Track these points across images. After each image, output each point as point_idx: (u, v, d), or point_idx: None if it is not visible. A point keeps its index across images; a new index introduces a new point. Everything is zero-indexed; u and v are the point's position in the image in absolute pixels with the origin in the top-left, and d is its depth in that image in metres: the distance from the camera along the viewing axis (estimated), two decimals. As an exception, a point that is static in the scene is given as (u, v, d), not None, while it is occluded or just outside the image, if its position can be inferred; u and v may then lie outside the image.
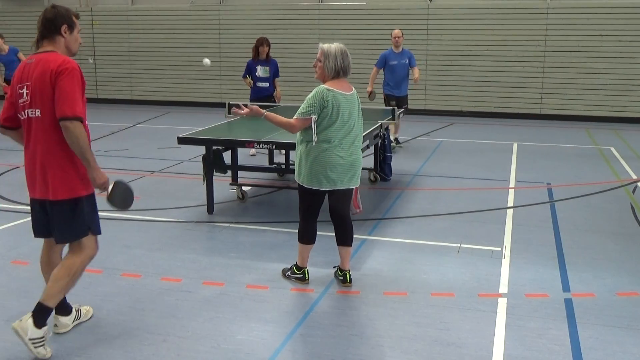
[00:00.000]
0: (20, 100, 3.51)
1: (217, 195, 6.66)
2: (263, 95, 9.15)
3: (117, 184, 3.63)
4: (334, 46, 4.37)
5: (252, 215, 6.46)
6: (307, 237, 4.58)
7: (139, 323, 3.99)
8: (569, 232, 5.88)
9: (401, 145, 10.32)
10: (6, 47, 11.19)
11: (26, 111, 3.49)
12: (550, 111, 13.82)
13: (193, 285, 4.60)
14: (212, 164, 6.40)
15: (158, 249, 5.34)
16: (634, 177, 8.15)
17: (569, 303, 4.30)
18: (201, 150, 6.54)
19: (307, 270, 4.66)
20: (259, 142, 6.06)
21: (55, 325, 3.83)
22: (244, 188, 7.05)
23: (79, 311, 3.98)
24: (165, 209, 6.54)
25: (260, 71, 9.06)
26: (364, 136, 6.30)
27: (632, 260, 5.16)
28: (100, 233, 3.73)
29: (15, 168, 8.62)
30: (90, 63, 16.67)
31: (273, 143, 6.11)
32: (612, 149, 10.06)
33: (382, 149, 7.72)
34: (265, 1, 15.27)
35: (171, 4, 16.02)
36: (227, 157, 6.71)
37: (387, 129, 7.66)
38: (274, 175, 8.17)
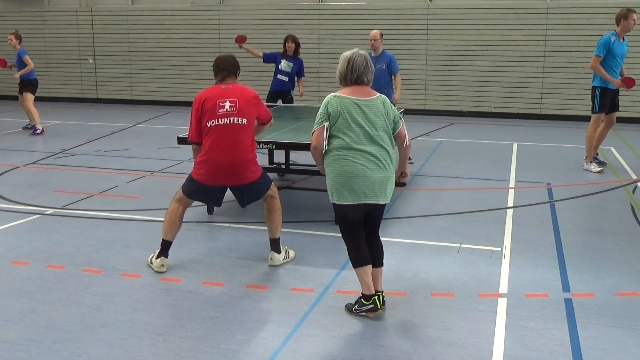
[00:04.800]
0: (221, 111, 4.75)
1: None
2: (281, 89, 9.51)
3: None
4: (344, 53, 4.13)
5: (252, 215, 6.45)
6: (361, 257, 4.08)
7: (139, 323, 3.99)
8: (569, 232, 5.88)
9: (411, 161, 8.79)
10: (18, 47, 11.34)
11: (231, 118, 4.76)
12: (550, 111, 13.82)
13: (193, 285, 4.60)
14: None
15: (158, 249, 5.33)
16: (634, 177, 8.15)
17: (569, 303, 4.30)
18: (201, 150, 6.53)
19: (378, 297, 4.08)
20: (259, 142, 6.06)
21: (271, 259, 4.99)
22: (244, 188, 7.03)
23: (287, 252, 5.10)
24: (166, 209, 6.52)
25: (284, 65, 9.38)
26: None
27: (632, 260, 5.16)
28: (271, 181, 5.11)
29: (15, 168, 8.63)
30: (90, 63, 16.68)
31: (273, 143, 6.10)
32: (612, 149, 10.06)
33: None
34: (265, 1, 15.27)
35: (171, 4, 16.03)
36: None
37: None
38: (274, 175, 8.17)
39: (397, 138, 4.12)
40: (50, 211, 6.53)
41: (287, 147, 7.04)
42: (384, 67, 8.70)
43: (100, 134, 11.51)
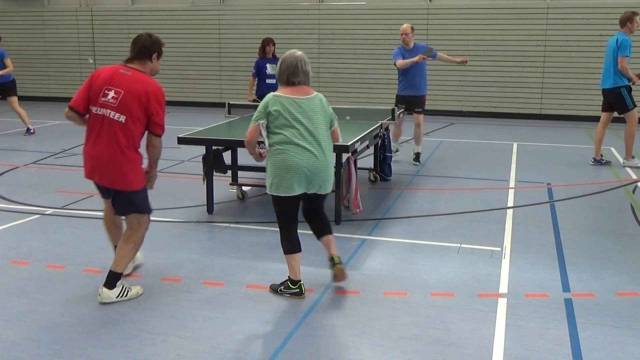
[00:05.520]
0: (103, 99, 4.09)
1: (217, 195, 6.65)
2: (271, 91, 9.52)
3: None
4: (284, 55, 4.40)
5: (252, 215, 6.46)
6: (291, 246, 4.40)
7: (139, 323, 3.99)
8: (569, 232, 5.88)
9: (418, 163, 8.92)
10: None
11: (108, 111, 4.08)
12: (550, 111, 13.82)
13: (193, 285, 4.60)
14: (212, 164, 6.40)
15: (158, 249, 5.34)
16: (634, 177, 8.15)
17: (569, 303, 4.30)
18: (201, 150, 6.54)
19: (303, 284, 4.39)
20: (259, 142, 6.05)
21: (99, 294, 4.25)
22: (244, 188, 7.04)
23: (127, 290, 4.33)
24: (165, 209, 6.54)
25: (270, 69, 9.52)
26: (363, 136, 6.36)
27: (632, 260, 5.16)
28: (150, 211, 4.40)
29: (15, 168, 8.62)
30: (90, 63, 16.67)
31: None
32: (612, 149, 10.06)
33: (382, 149, 7.72)
34: (265, 1, 15.27)
35: (171, 4, 16.03)
36: (227, 157, 6.71)
37: (387, 129, 7.66)
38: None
39: (332, 135, 4.49)
40: (50, 211, 6.53)
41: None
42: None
43: (100, 134, 11.49)
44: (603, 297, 4.41)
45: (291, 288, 4.38)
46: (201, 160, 6.57)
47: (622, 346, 3.72)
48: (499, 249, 5.40)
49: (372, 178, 7.80)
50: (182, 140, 6.41)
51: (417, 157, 8.97)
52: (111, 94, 4.08)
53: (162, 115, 4.22)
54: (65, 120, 4.45)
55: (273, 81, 9.55)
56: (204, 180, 6.46)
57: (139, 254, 4.61)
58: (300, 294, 4.36)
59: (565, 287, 4.59)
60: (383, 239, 5.68)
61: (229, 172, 6.97)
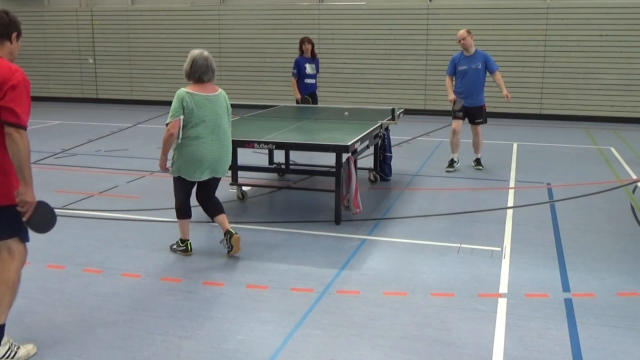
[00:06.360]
0: None
1: (217, 195, 6.63)
2: (311, 91, 9.64)
3: (40, 205, 3.36)
4: (191, 52, 4.94)
5: (252, 215, 6.46)
6: (185, 213, 5.14)
7: (139, 323, 3.99)
8: (569, 232, 5.88)
9: (481, 167, 8.65)
10: None
11: None
12: (550, 111, 13.83)
13: (193, 285, 4.60)
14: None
15: (158, 249, 5.34)
16: (634, 177, 8.15)
17: (569, 303, 4.30)
18: (201, 150, 6.53)
19: (190, 243, 5.20)
20: (259, 142, 6.06)
21: None
22: (244, 188, 7.04)
23: (15, 349, 3.50)
24: (165, 209, 6.54)
25: (309, 68, 9.49)
26: (363, 136, 6.36)
27: (632, 260, 5.16)
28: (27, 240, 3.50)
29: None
30: (90, 63, 16.68)
31: (273, 143, 6.10)
32: (612, 149, 10.06)
33: (382, 149, 7.72)
34: (265, 1, 15.27)
35: (171, 4, 16.03)
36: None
37: (387, 128, 7.66)
38: (274, 175, 8.17)
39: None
40: (50, 211, 6.51)
41: (287, 147, 7.04)
42: (479, 66, 8.25)
43: (100, 134, 11.51)
44: (603, 297, 4.41)
45: (180, 246, 5.20)
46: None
47: (622, 346, 3.72)
48: (499, 249, 5.40)
49: (372, 178, 7.81)
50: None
51: (478, 162, 8.67)
52: None
53: (20, 101, 3.22)
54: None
55: (313, 81, 9.47)
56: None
57: (26, 350, 3.54)
58: (187, 250, 5.17)
59: (565, 287, 4.59)
60: (383, 239, 5.68)
61: (229, 172, 6.95)
